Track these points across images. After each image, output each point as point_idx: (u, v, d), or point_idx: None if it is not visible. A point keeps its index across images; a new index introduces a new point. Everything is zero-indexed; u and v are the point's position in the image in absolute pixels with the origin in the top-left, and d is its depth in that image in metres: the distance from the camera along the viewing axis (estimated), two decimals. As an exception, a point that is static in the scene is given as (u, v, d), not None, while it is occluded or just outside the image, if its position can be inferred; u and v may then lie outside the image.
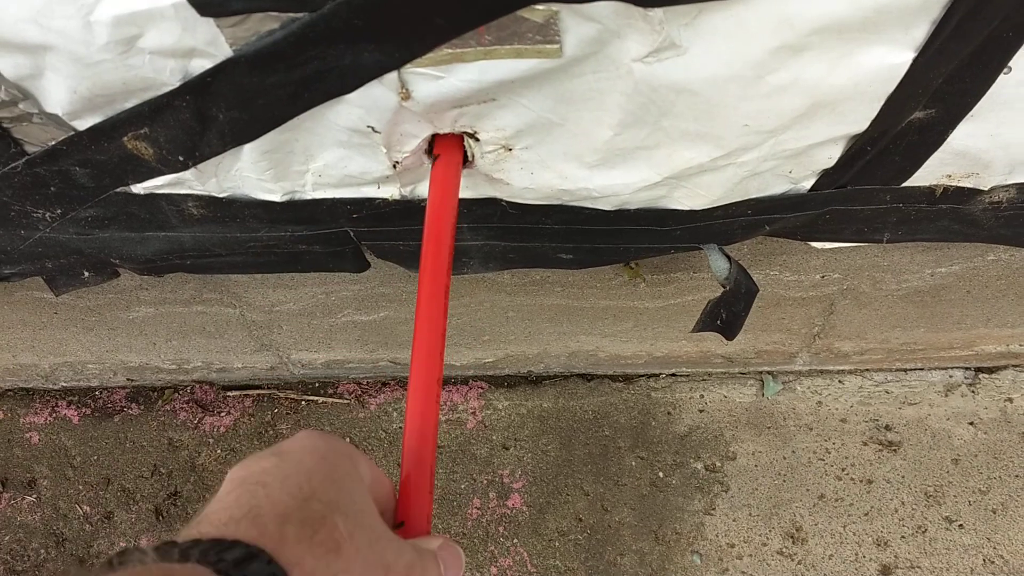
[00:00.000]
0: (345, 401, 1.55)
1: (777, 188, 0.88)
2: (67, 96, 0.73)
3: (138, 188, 0.87)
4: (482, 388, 1.57)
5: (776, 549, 1.42)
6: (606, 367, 1.55)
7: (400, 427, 1.54)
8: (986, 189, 0.88)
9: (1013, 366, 1.52)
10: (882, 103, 0.73)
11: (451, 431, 1.53)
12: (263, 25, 0.66)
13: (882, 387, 1.53)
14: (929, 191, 0.89)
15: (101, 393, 1.55)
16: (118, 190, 0.87)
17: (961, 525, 1.42)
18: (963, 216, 0.93)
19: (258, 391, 1.54)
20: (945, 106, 0.76)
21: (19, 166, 0.84)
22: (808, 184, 0.87)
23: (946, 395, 1.51)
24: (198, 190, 0.87)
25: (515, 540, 1.45)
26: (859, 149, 0.80)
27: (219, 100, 0.72)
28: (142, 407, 1.54)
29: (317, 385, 1.56)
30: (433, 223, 0.72)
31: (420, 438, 0.57)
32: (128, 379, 1.51)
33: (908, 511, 1.43)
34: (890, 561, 1.40)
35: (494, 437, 1.53)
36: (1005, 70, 0.72)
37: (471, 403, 1.56)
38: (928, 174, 0.86)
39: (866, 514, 1.43)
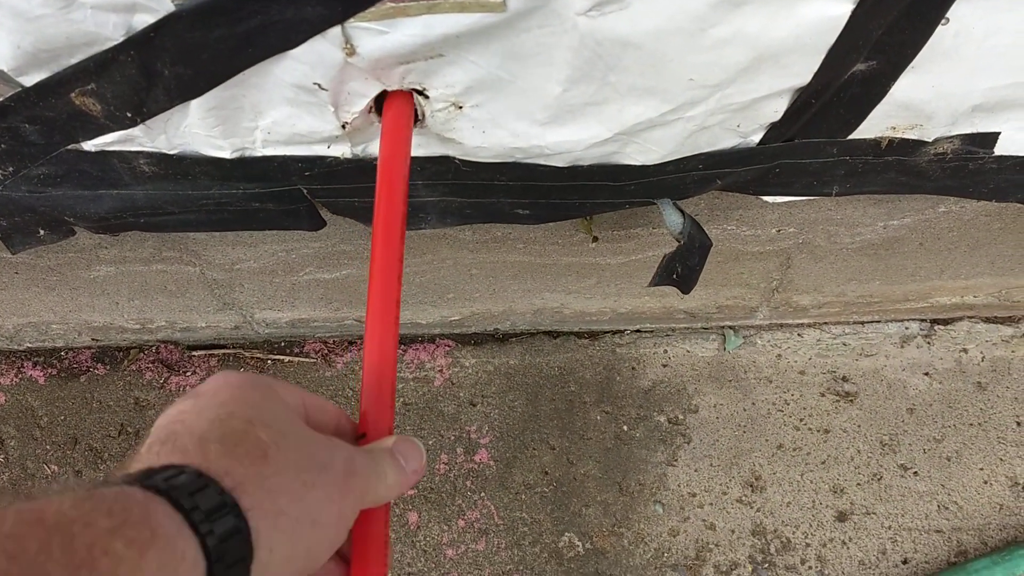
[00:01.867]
0: (311, 360, 1.56)
1: (726, 142, 0.89)
2: (11, 51, 0.72)
3: (89, 145, 0.86)
4: (449, 346, 1.59)
5: (736, 497, 1.45)
6: (572, 324, 1.57)
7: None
8: (930, 140, 0.90)
9: (968, 317, 1.55)
10: (823, 55, 0.74)
11: (418, 389, 1.55)
12: (204, -21, 0.65)
13: (839, 340, 1.56)
14: (875, 143, 0.90)
15: (67, 353, 1.55)
16: (69, 147, 0.87)
17: (916, 472, 1.46)
18: (909, 168, 0.95)
19: (223, 351, 1.54)
20: (886, 58, 0.77)
21: (-34, 124, 0.83)
22: (756, 138, 0.89)
23: (902, 346, 1.55)
24: (148, 147, 0.87)
25: (482, 494, 1.47)
26: (804, 102, 0.81)
27: (163, 55, 0.72)
28: (108, 367, 1.54)
29: (283, 344, 1.57)
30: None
31: (379, 354, 0.58)
32: (93, 339, 1.51)
33: (864, 459, 1.47)
34: (846, 508, 1.44)
35: (461, 394, 1.55)
36: (943, 21, 0.73)
37: (438, 361, 1.57)
38: (873, 126, 0.87)
39: (823, 462, 1.47)
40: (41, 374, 1.54)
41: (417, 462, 0.51)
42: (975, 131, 0.90)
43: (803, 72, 0.76)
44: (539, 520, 1.45)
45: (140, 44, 0.71)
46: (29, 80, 0.77)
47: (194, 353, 1.55)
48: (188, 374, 1.53)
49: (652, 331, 1.59)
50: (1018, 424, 1.48)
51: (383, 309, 0.61)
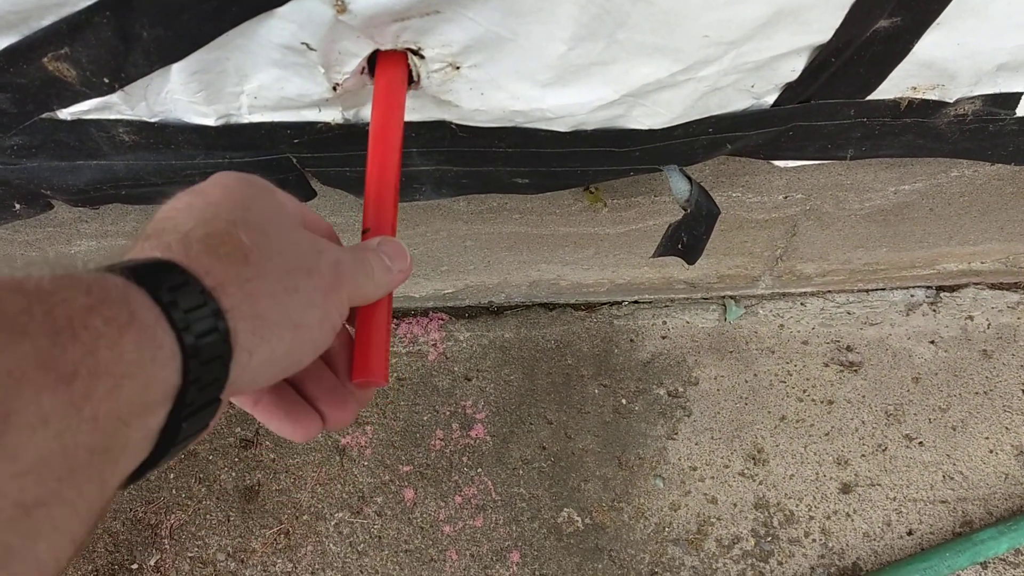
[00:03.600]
0: (303, 335, 1.51)
1: (739, 104, 0.84)
2: (-27, 12, 0.67)
3: (64, 114, 0.81)
4: (443, 320, 1.55)
5: (738, 471, 1.43)
6: (568, 296, 1.53)
7: (360, 360, 1.51)
8: (951, 101, 0.86)
9: (974, 284, 1.52)
10: (847, 10, 0.69)
11: (412, 363, 1.51)
12: (180, -71, 0.60)
13: (844, 308, 1.52)
14: (894, 104, 0.86)
15: (48, 333, 1.50)
16: (43, 116, 0.81)
17: (921, 443, 1.44)
18: (928, 130, 0.91)
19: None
20: (911, 13, 0.73)
21: (-68, 92, 0.78)
22: (771, 99, 0.84)
23: (907, 315, 1.52)
24: (128, 115, 0.82)
25: (479, 469, 1.44)
26: (823, 61, 0.77)
27: (141, 16, 0.67)
28: (92, 346, 1.50)
29: (273, 319, 1.52)
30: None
31: (383, 155, 0.60)
32: (75, 317, 1.46)
33: (868, 430, 1.44)
34: (850, 479, 1.42)
35: (456, 368, 1.51)
36: (974, -27, 0.69)
37: (432, 335, 1.53)
38: (893, 87, 0.83)
39: (827, 434, 1.44)
40: (23, 353, 1.49)
41: (402, 262, 0.51)
42: (998, 91, 0.85)
43: (824, 28, 0.72)
44: (537, 496, 1.43)
45: (116, 4, 0.66)
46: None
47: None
48: (175, 351, 1.48)
49: (651, 302, 1.55)
50: (1024, 392, 1.45)
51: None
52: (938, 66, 0.80)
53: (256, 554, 1.38)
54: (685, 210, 0.98)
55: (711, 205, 0.98)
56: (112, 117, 0.82)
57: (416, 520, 1.41)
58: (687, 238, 1.02)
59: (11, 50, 0.72)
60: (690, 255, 1.05)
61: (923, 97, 0.85)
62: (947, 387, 1.47)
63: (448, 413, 1.48)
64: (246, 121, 0.82)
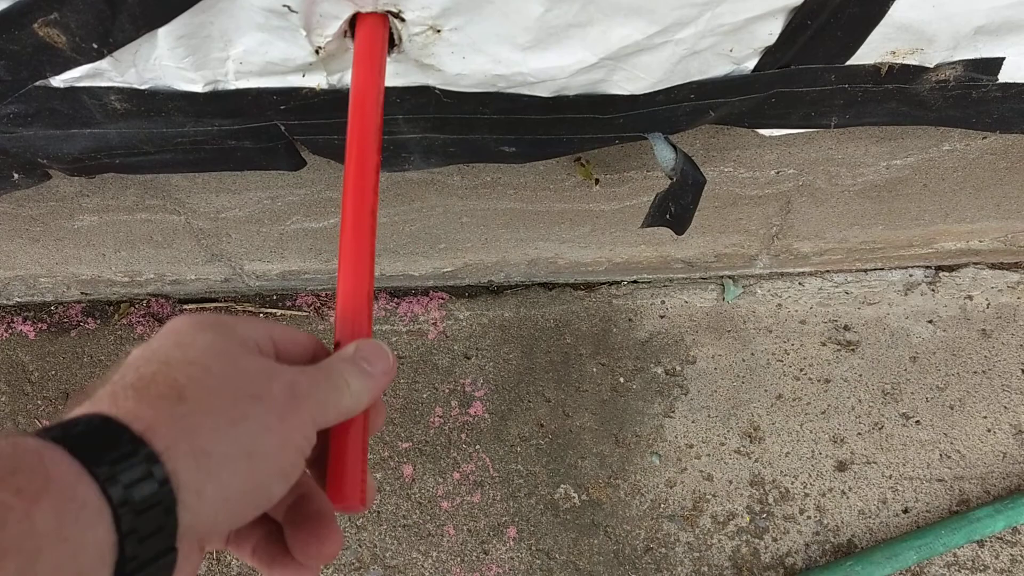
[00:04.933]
0: (304, 314, 1.53)
1: (719, 69, 0.85)
2: (-39, -24, 0.69)
3: (57, 81, 0.83)
4: (443, 299, 1.56)
5: (734, 448, 1.43)
6: (567, 275, 1.54)
7: (360, 338, 1.53)
8: (932, 66, 0.86)
9: (974, 263, 1.52)
10: (818, -31, 0.70)
11: (412, 342, 1.53)
12: None
13: (842, 288, 1.52)
14: (874, 70, 0.86)
15: (56, 308, 1.54)
16: (37, 84, 0.84)
17: (918, 421, 1.44)
18: (910, 96, 0.91)
19: (215, 304, 1.52)
20: (885, -26, 0.73)
21: (-72, 58, 0.80)
22: (750, 64, 0.85)
23: (906, 294, 1.52)
24: (118, 82, 0.84)
25: (477, 446, 1.46)
26: (799, 24, 0.78)
27: (124, -23, 0.69)
28: (99, 321, 1.52)
29: (275, 297, 1.54)
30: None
31: (354, 273, 0.56)
32: (82, 293, 1.49)
33: (865, 408, 1.45)
34: (846, 457, 1.42)
35: (455, 347, 1.53)
36: (946, -68, 0.70)
37: (432, 314, 1.55)
38: (872, 51, 0.83)
39: (823, 412, 1.45)
40: (31, 329, 1.52)
41: (384, 362, 0.48)
42: (978, 56, 0.86)
43: (797, -11, 0.73)
44: (535, 472, 1.44)
45: (99, -35, 0.68)
46: (-15, 9, 0.74)
47: (185, 307, 1.53)
48: (179, 328, 1.51)
49: (649, 282, 1.56)
50: (1023, 371, 1.45)
51: (357, 224, 0.59)
52: (915, 28, 0.80)
53: (256, 527, 1.40)
54: (671, 179, 0.99)
55: (697, 174, 0.99)
56: (103, 84, 0.84)
57: (414, 496, 1.43)
58: (675, 208, 1.03)
59: (3, 17, 0.74)
60: (679, 225, 1.05)
61: (903, 62, 0.85)
62: (945, 366, 1.46)
63: (447, 391, 1.50)
64: (233, 87, 0.84)
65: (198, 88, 0.84)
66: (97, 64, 0.80)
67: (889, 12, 0.78)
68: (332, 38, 0.77)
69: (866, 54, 0.84)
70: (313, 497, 0.48)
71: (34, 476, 0.32)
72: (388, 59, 0.82)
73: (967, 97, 0.91)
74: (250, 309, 1.52)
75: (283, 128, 0.91)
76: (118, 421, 0.36)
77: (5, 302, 1.52)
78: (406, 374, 1.50)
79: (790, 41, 0.80)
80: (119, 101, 0.86)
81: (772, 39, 0.80)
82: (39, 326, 1.53)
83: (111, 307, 1.53)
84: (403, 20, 0.76)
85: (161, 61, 0.80)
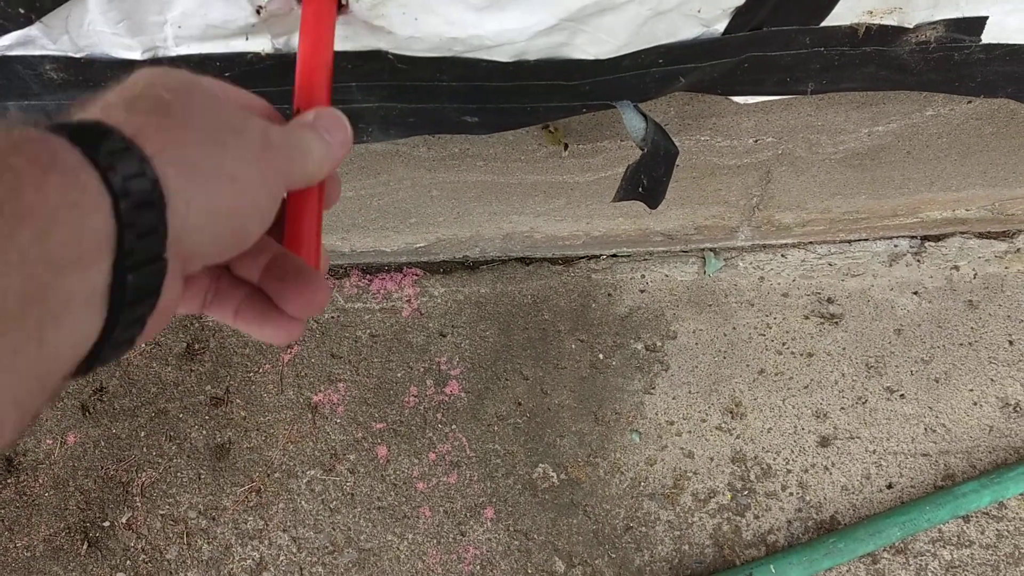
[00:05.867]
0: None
1: (688, 32, 0.81)
2: None
3: (-14, 49, 0.79)
4: (417, 275, 1.52)
5: (715, 424, 1.40)
6: (544, 249, 1.50)
7: (332, 316, 1.49)
8: (911, 27, 0.82)
9: (960, 233, 1.48)
10: (787, -80, 0.66)
11: (385, 320, 1.49)
12: None
13: (825, 259, 1.49)
14: (851, 31, 0.82)
15: None
16: (-36, 53, 0.79)
17: (902, 395, 1.41)
18: (890, 60, 0.87)
19: (181, 284, 1.48)
20: (860, -75, 0.69)
21: None
22: (720, 27, 0.80)
23: (890, 265, 1.48)
24: (52, 50, 0.79)
25: (453, 426, 1.43)
26: (769, -19, 0.73)
27: (43, -65, 0.64)
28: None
29: (243, 276, 1.50)
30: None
31: (315, 44, 0.58)
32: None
33: (848, 383, 1.42)
34: (829, 432, 1.39)
35: (431, 325, 1.49)
36: None
37: (406, 291, 1.51)
38: (848, 11, 0.79)
39: (806, 387, 1.42)
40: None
41: (342, 133, 0.47)
42: (960, 15, 0.81)
43: (765, -59, 0.68)
44: (512, 452, 1.41)
45: (14, -79, 0.63)
46: (-98, -30, 0.69)
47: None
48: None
49: (629, 255, 1.52)
50: (1011, 343, 1.42)
51: None
52: (893, -14, 0.76)
53: (227, 512, 1.37)
54: (642, 149, 0.95)
55: (669, 144, 0.94)
56: (37, 53, 0.79)
57: (389, 477, 1.40)
58: (647, 180, 0.98)
59: (-82, -21, 0.69)
60: (652, 198, 1.01)
61: (881, 23, 0.81)
62: (930, 339, 1.43)
63: (422, 370, 1.46)
64: (174, 54, 0.79)
65: (136, 55, 0.79)
66: (27, 31, 0.76)
67: (865, -33, 0.73)
68: None
69: (842, 14, 0.79)
70: (288, 257, 0.47)
71: (41, 150, 0.31)
72: (337, 21, 0.77)
73: (949, 59, 0.87)
74: (218, 288, 1.48)
75: (231, 98, 0.86)
76: (109, 125, 0.35)
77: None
78: (380, 353, 1.47)
79: (761, 1, 0.76)
80: (55, 71, 0.81)
81: (741, 0, 0.75)
82: None
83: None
84: (349, -20, 0.71)
85: (95, 27, 0.76)
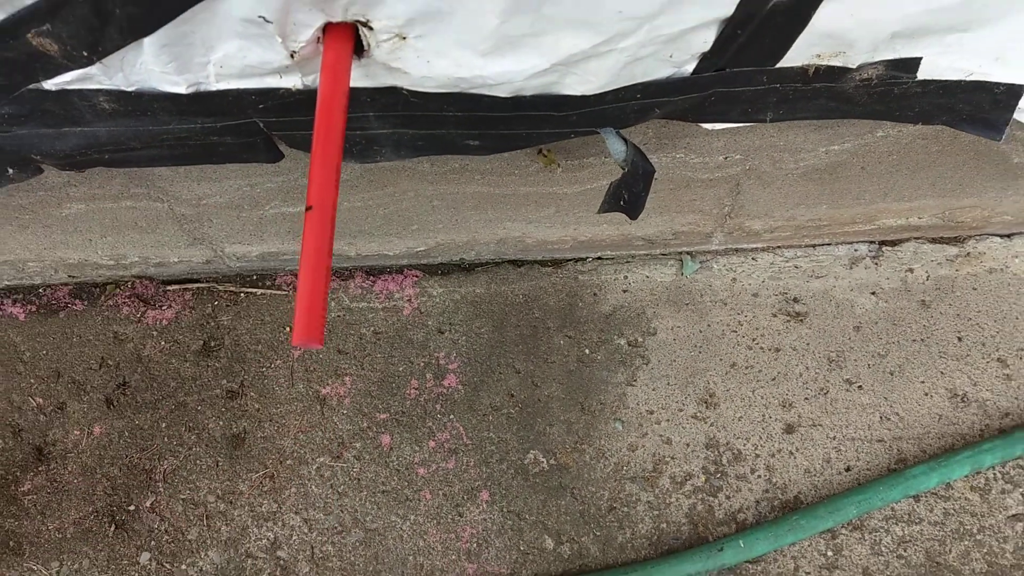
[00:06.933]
0: (283, 292, 1.61)
1: (661, 72, 0.93)
2: (-37, -7, 0.76)
3: (50, 84, 0.90)
4: (417, 276, 1.64)
5: (691, 414, 1.53)
6: (535, 253, 1.63)
7: (338, 315, 1.61)
8: (855, 67, 0.95)
9: (915, 238, 1.62)
10: (744, -14, 0.78)
11: (388, 318, 1.61)
12: (147, -80, 0.68)
13: (792, 262, 1.62)
14: (802, 71, 0.95)
15: (45, 291, 1.60)
16: (31, 87, 0.90)
17: (860, 386, 1.54)
18: (838, 94, 0.99)
19: (197, 284, 1.59)
20: (806, -12, 0.81)
21: (-72, 66, 0.86)
22: (690, 68, 0.93)
23: (851, 267, 1.61)
24: (107, 85, 0.90)
25: (451, 416, 1.55)
26: (730, 33, 0.86)
27: (113, -6, 0.75)
28: (86, 303, 1.59)
29: (255, 277, 1.62)
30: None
31: (327, 127, 0.76)
32: (69, 276, 1.55)
33: (812, 375, 1.55)
34: (794, 420, 1.52)
35: (429, 322, 1.61)
36: (857, -48, 0.77)
37: (406, 291, 1.63)
38: (799, 55, 0.91)
39: (773, 379, 1.55)
40: (21, 311, 1.59)
41: None
42: (897, 57, 0.94)
43: (727, 3, 0.80)
44: (506, 439, 1.53)
45: (90, -16, 0.74)
46: (-13, 22, 0.80)
47: (168, 287, 1.60)
48: (164, 308, 1.58)
49: (612, 258, 1.65)
50: (959, 339, 1.55)
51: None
52: (837, 35, 0.89)
53: (243, 496, 1.49)
54: (623, 169, 1.07)
55: (646, 164, 1.07)
56: (93, 87, 0.91)
57: (392, 463, 1.52)
58: (627, 195, 1.11)
59: None
60: (632, 210, 1.14)
61: (828, 64, 0.94)
62: (886, 335, 1.57)
63: (422, 364, 1.58)
64: (214, 89, 0.91)
65: (181, 90, 0.91)
66: (87, 70, 0.87)
67: (811, 21, 0.86)
68: (306, 44, 0.85)
69: (794, 57, 0.92)
70: None
71: None
72: (358, 63, 0.89)
73: (890, 93, 1.00)
74: (231, 288, 1.59)
75: (262, 125, 0.98)
76: None
77: (-6, 285, 1.58)
78: (383, 348, 1.59)
79: (724, 48, 0.88)
80: (107, 102, 0.93)
81: (707, 46, 0.88)
82: (28, 308, 1.59)
83: (98, 289, 1.60)
84: (371, 28, 0.83)
85: (146, 66, 0.87)
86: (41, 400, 1.54)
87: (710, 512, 1.48)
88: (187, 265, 1.53)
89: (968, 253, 1.61)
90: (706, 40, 0.87)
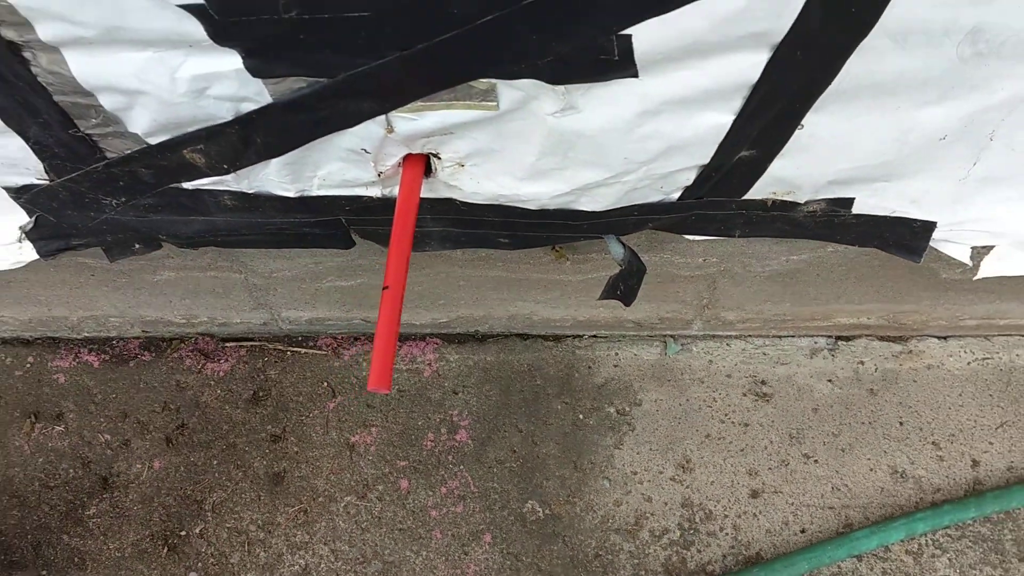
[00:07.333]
0: (323, 352, 1.87)
1: (654, 198, 1.22)
2: (149, 123, 1.04)
3: (187, 185, 1.17)
4: (437, 344, 1.90)
5: (670, 476, 1.78)
6: (540, 328, 1.89)
7: (366, 375, 1.86)
8: (803, 202, 1.23)
9: (866, 335, 1.90)
10: (716, 146, 1.07)
11: (411, 378, 1.87)
12: (295, 84, 0.97)
13: (760, 350, 1.89)
14: (763, 202, 1.23)
15: (118, 342, 1.86)
16: (172, 186, 1.18)
17: (816, 460, 1.80)
18: (791, 220, 1.28)
19: (251, 343, 1.85)
20: (762, 148, 1.10)
21: (99, 167, 1.14)
22: (676, 195, 1.21)
23: (811, 357, 1.89)
24: (233, 187, 1.18)
25: (461, 467, 1.79)
26: (707, 175, 1.14)
27: (259, 129, 1.04)
28: (153, 354, 1.85)
29: (300, 338, 1.88)
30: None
31: (402, 229, 1.05)
32: (143, 331, 1.81)
33: (775, 448, 1.80)
34: (759, 487, 1.77)
35: (446, 384, 1.87)
36: (799, 127, 1.06)
37: (427, 356, 1.89)
38: (758, 191, 1.20)
39: (742, 450, 1.80)
40: (96, 359, 1.84)
41: None
42: (835, 196, 1.23)
43: (703, 156, 1.09)
44: (507, 490, 1.77)
45: (243, 122, 1.02)
46: (154, 140, 1.08)
47: (226, 344, 1.85)
48: (221, 361, 1.84)
49: (606, 337, 1.92)
50: (901, 424, 1.82)
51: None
52: (788, 180, 1.17)
53: (280, 527, 1.72)
54: (621, 266, 1.35)
55: (639, 264, 1.35)
56: (221, 188, 1.18)
57: (409, 505, 1.75)
58: (623, 287, 1.39)
59: (163, 144, 1.09)
60: (627, 299, 1.41)
61: (782, 198, 1.22)
62: (840, 417, 1.83)
63: (438, 420, 1.83)
64: (315, 194, 1.19)
65: (290, 194, 1.18)
66: (222, 177, 1.15)
67: (768, 170, 1.14)
68: (390, 167, 1.13)
69: (755, 192, 1.21)
70: None
71: None
72: (425, 181, 1.18)
73: (832, 222, 1.28)
74: (279, 347, 1.85)
75: (344, 221, 1.26)
76: None
77: (75, 336, 1.83)
78: (405, 405, 1.84)
79: (702, 184, 1.17)
80: (230, 200, 1.20)
81: (689, 182, 1.16)
82: (102, 357, 1.85)
83: (165, 343, 1.86)
84: (439, 158, 1.12)
85: (268, 176, 1.15)
86: (109, 436, 1.78)
87: (683, 563, 1.72)
88: (246, 326, 1.79)
89: (911, 351, 1.88)
90: (688, 178, 1.15)
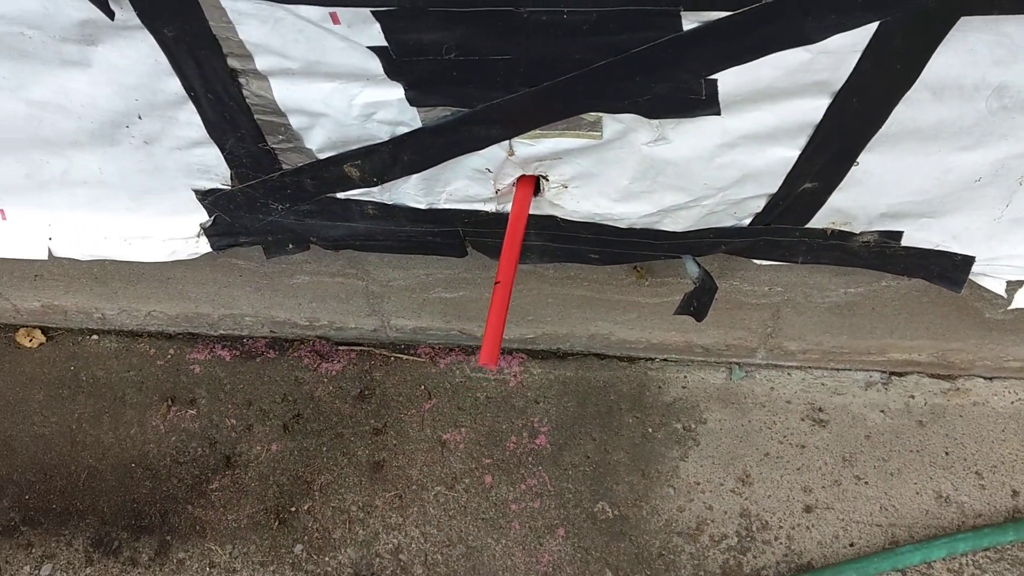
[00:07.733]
0: (422, 360, 2.10)
1: (728, 222, 1.43)
2: (323, 141, 1.29)
3: (340, 194, 1.43)
4: (522, 358, 2.12)
5: (730, 488, 1.95)
6: (616, 349, 2.10)
7: (461, 381, 2.09)
8: (858, 232, 1.43)
9: (917, 372, 2.05)
10: (783, 177, 1.28)
11: (497, 387, 2.08)
12: (441, 113, 1.22)
13: (819, 380, 2.06)
14: (823, 231, 1.43)
15: (248, 340, 2.12)
16: (328, 195, 1.43)
17: (866, 482, 1.94)
18: (847, 249, 1.47)
19: (360, 347, 2.10)
20: (823, 181, 1.31)
21: (275, 176, 1.40)
22: (747, 221, 1.42)
23: (866, 389, 2.05)
24: (376, 198, 1.43)
25: (539, 467, 1.99)
26: (775, 203, 1.35)
27: (407, 149, 1.29)
28: (277, 352, 2.11)
29: (403, 346, 2.12)
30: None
31: (514, 236, 1.24)
32: (271, 331, 2.07)
33: (829, 469, 1.96)
34: (812, 502, 1.92)
35: (529, 394, 2.08)
36: (855, 163, 1.27)
37: (513, 368, 2.11)
38: (819, 220, 1.40)
39: (798, 469, 1.96)
40: (227, 354, 2.11)
41: None
42: (886, 229, 1.42)
43: (772, 186, 1.30)
44: (580, 490, 1.96)
45: (396, 142, 1.28)
46: (323, 155, 1.34)
47: (339, 347, 2.11)
48: (334, 362, 2.09)
49: (676, 361, 2.11)
50: (946, 453, 1.96)
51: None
52: (844, 211, 1.37)
53: (378, 509, 1.94)
54: (695, 284, 1.56)
55: (712, 283, 1.55)
56: (367, 199, 1.44)
57: (492, 498, 1.96)
58: (696, 303, 1.59)
59: (327, 159, 1.34)
60: (699, 315, 1.61)
61: (840, 228, 1.42)
62: (890, 444, 1.98)
63: (520, 425, 2.04)
64: (441, 207, 1.43)
65: (422, 206, 1.43)
66: (369, 188, 1.40)
67: (827, 201, 1.35)
68: (506, 186, 1.37)
69: (816, 221, 1.41)
70: None
71: None
72: (533, 199, 1.41)
73: (883, 253, 1.47)
74: (384, 353, 2.09)
75: (461, 232, 1.50)
76: None
77: (212, 332, 2.11)
78: (492, 410, 2.05)
79: (770, 211, 1.38)
80: (372, 209, 1.45)
81: (759, 209, 1.37)
82: (233, 352, 2.11)
83: (287, 343, 2.12)
84: (547, 180, 1.35)
85: (406, 190, 1.40)
86: (234, 421, 2.04)
87: (739, 566, 1.87)
88: (358, 331, 2.04)
89: (958, 388, 2.03)
90: (759, 205, 1.36)
